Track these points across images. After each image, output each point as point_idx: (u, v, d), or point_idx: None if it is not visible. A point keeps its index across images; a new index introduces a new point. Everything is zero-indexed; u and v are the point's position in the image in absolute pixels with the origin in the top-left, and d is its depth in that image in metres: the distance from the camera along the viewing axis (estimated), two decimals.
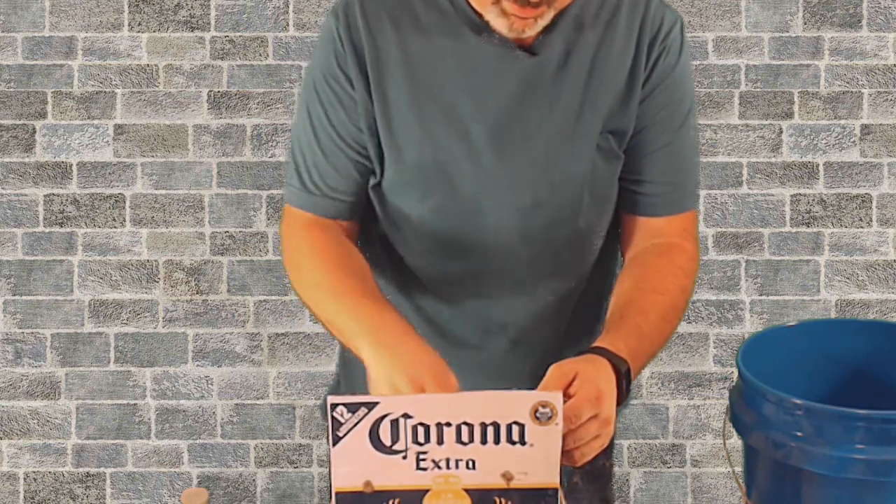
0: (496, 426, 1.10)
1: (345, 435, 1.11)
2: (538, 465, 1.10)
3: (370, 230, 1.54)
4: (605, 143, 1.44)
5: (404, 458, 1.10)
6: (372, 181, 1.48)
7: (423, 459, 1.10)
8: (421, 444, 1.10)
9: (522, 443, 1.10)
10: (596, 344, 1.34)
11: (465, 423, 1.10)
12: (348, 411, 1.11)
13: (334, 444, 1.12)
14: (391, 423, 1.10)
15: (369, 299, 1.37)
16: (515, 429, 1.10)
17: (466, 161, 1.42)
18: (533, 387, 1.37)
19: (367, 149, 1.45)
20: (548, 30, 1.41)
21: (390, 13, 1.42)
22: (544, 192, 1.43)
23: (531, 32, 1.37)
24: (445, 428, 1.10)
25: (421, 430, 1.10)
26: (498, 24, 1.36)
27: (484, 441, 1.09)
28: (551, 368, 1.26)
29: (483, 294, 1.49)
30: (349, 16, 1.43)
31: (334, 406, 1.11)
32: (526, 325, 1.51)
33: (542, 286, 1.49)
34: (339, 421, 1.11)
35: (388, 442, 1.10)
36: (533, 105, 1.42)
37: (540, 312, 1.51)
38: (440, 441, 1.11)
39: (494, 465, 1.10)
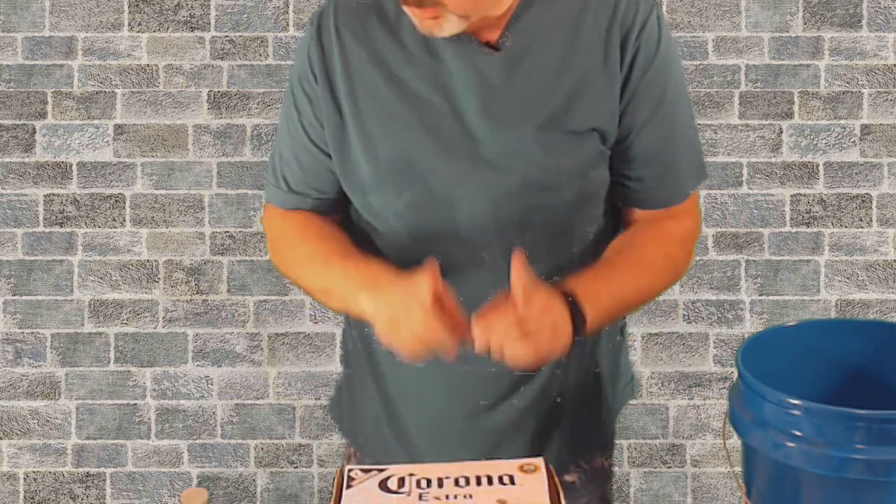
0: (489, 478, 1.25)
1: (356, 486, 1.26)
2: (530, 495, 1.22)
3: (350, 226, 1.58)
4: (586, 138, 1.45)
5: (408, 495, 1.23)
6: (344, 178, 1.52)
7: (426, 498, 1.23)
8: (424, 489, 1.23)
9: (513, 484, 1.24)
10: (566, 287, 1.41)
11: (463, 476, 1.25)
12: (362, 472, 1.27)
13: (347, 488, 1.24)
14: (398, 479, 1.25)
15: (353, 258, 1.46)
16: (506, 478, 1.24)
17: (438, 156, 1.45)
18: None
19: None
20: (512, 25, 1.44)
21: (361, 18, 1.49)
22: (514, 185, 1.45)
23: (441, 33, 1.41)
24: (445, 479, 1.25)
25: (424, 481, 1.25)
26: (414, 22, 1.42)
27: (479, 484, 1.24)
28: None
29: (461, 284, 1.50)
30: (322, 22, 1.51)
31: (350, 470, 1.27)
32: None
33: None
34: (352, 478, 1.25)
35: (394, 488, 1.24)
36: (499, 100, 1.44)
37: None
38: (440, 486, 1.25)
39: (490, 497, 1.23)
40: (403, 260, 1.51)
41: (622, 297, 1.48)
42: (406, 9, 1.40)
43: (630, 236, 1.53)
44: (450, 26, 1.39)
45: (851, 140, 2.84)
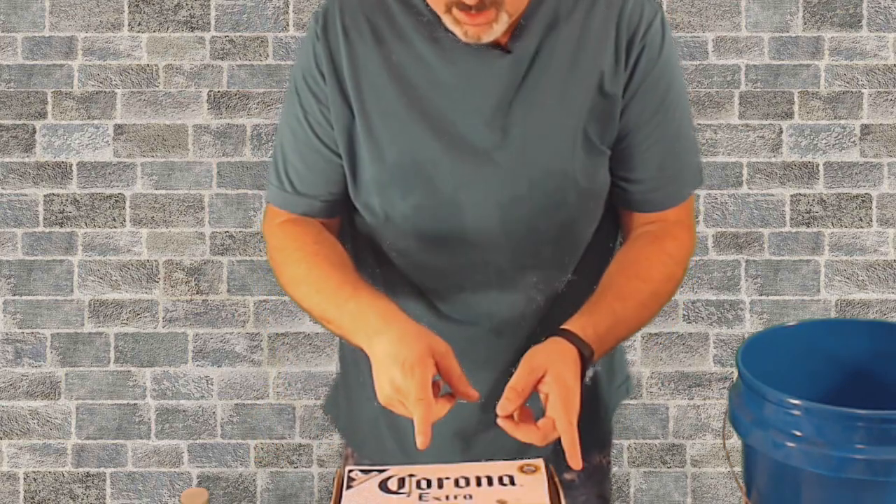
0: (489, 478, 1.26)
1: (356, 486, 1.26)
2: (530, 496, 1.23)
3: (354, 227, 1.56)
4: (588, 138, 1.45)
5: (408, 496, 1.23)
6: (352, 178, 1.50)
7: (426, 499, 1.23)
8: (424, 490, 1.24)
9: (513, 485, 1.25)
10: (566, 326, 1.38)
11: (463, 477, 1.26)
12: (362, 473, 1.27)
13: (347, 488, 1.25)
14: (398, 480, 1.25)
15: (349, 287, 1.42)
16: (506, 479, 1.25)
17: (445, 159, 1.44)
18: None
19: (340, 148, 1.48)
20: (522, 27, 1.43)
21: (368, 17, 1.46)
22: (523, 188, 1.44)
23: (489, 38, 1.38)
24: (445, 480, 1.25)
25: (424, 482, 1.26)
26: (455, 31, 1.39)
27: (479, 485, 1.25)
28: (522, 362, 1.33)
29: (466, 286, 1.50)
30: (328, 19, 1.48)
31: (350, 470, 1.28)
32: (509, 316, 1.52)
33: (525, 279, 1.50)
34: (353, 479, 1.26)
35: (394, 488, 1.24)
36: (509, 102, 1.43)
37: (523, 304, 1.52)
38: (440, 487, 1.25)
39: (490, 497, 1.23)
40: (409, 263, 1.51)
41: (627, 326, 1.46)
42: (455, 16, 1.36)
43: (631, 258, 1.50)
44: (500, 27, 1.37)
45: (851, 140, 2.84)
